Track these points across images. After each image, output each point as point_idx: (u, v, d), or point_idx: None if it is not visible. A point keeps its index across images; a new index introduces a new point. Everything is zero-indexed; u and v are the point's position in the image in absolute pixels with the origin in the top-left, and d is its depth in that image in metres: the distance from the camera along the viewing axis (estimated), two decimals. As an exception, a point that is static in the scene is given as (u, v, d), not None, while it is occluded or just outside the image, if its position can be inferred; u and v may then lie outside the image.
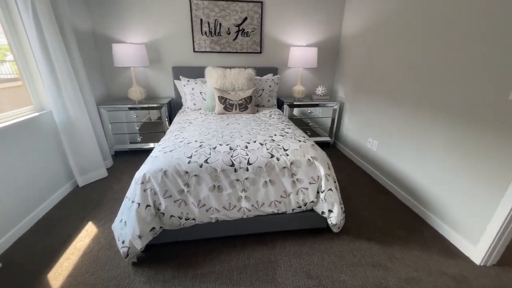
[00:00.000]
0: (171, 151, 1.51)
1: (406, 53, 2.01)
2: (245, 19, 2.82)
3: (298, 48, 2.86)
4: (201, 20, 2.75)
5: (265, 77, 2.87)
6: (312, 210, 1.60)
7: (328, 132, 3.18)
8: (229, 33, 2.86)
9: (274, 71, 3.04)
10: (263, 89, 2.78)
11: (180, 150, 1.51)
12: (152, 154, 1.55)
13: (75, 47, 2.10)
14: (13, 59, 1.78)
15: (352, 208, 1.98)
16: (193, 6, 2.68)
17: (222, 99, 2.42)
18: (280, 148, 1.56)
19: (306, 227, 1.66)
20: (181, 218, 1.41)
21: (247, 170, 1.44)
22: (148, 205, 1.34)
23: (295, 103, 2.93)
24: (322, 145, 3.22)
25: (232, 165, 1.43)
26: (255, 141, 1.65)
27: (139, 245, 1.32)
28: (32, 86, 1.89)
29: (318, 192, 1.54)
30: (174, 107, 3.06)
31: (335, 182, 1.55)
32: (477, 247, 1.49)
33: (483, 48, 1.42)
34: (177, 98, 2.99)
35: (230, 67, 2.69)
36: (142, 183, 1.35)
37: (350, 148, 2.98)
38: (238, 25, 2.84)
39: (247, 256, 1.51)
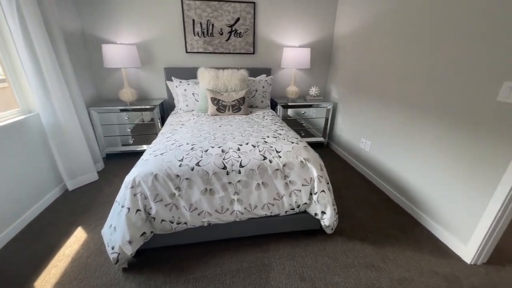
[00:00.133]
0: (162, 154, 1.49)
1: (397, 54, 2.02)
2: (238, 19, 2.81)
3: (291, 48, 2.86)
4: (193, 20, 2.72)
5: (258, 78, 2.86)
6: (305, 212, 1.60)
7: (322, 132, 3.19)
8: (221, 34, 2.84)
9: (268, 71, 3.03)
10: (256, 90, 2.77)
11: (171, 153, 1.49)
12: (142, 157, 1.52)
13: (63, 48, 2.05)
14: (-2, 60, 1.73)
15: (346, 208, 1.98)
16: (185, 6, 2.65)
17: (215, 100, 2.40)
18: (273, 150, 1.55)
19: (299, 229, 1.65)
20: (172, 223, 1.39)
21: (240, 172, 1.43)
22: (138, 210, 1.31)
23: (288, 104, 2.92)
24: (316, 145, 3.23)
25: (224, 167, 1.42)
26: (247, 143, 1.64)
27: (129, 251, 1.29)
28: (18, 88, 1.84)
29: (311, 194, 1.54)
30: (167, 108, 3.02)
31: (328, 183, 1.54)
32: (467, 247, 1.51)
33: (473, 50, 1.44)
34: (170, 99, 2.96)
35: (223, 68, 2.67)
36: (132, 187, 1.32)
37: (344, 148, 2.99)
38: (231, 26, 2.82)
39: (240, 259, 1.50)
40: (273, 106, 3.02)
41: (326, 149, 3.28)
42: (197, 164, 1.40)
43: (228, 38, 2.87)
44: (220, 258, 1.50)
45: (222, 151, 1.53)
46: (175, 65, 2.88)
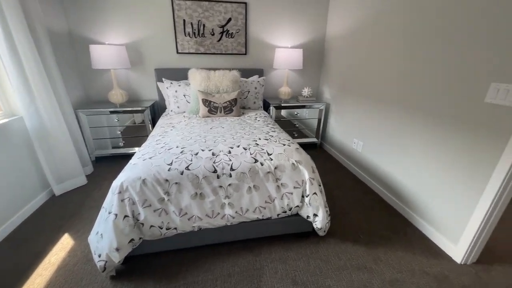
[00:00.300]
0: (150, 158, 1.45)
1: (389, 55, 2.03)
2: (229, 20, 2.78)
3: (284, 49, 2.85)
4: (184, 20, 2.68)
5: (250, 78, 2.84)
6: (297, 214, 1.58)
7: (315, 133, 3.19)
8: (213, 34, 2.81)
9: (260, 72, 3.01)
10: (249, 91, 2.75)
11: (160, 157, 1.45)
12: (131, 161, 1.48)
13: (48, 48, 1.98)
14: (-22, 62, 1.66)
15: (338, 209, 1.98)
16: (175, 6, 2.61)
17: (207, 102, 2.37)
18: (264, 153, 1.54)
19: (291, 231, 1.64)
20: (162, 228, 1.36)
21: (230, 176, 1.40)
22: (126, 216, 1.28)
23: (281, 104, 2.91)
24: (309, 146, 3.24)
25: (215, 171, 1.39)
26: (238, 146, 1.61)
27: (117, 259, 1.25)
28: (0, 90, 1.77)
29: (303, 196, 1.52)
30: (158, 110, 2.97)
31: (319, 185, 1.54)
32: (457, 246, 1.52)
33: (461, 52, 1.45)
34: (161, 100, 2.91)
35: (214, 69, 2.64)
36: (120, 192, 1.28)
37: (336, 149, 3.00)
38: (222, 26, 2.79)
39: (232, 264, 1.48)
40: (266, 107, 3.00)
41: (319, 149, 3.28)
42: (187, 168, 1.37)
43: (220, 39, 2.84)
44: (211, 263, 1.48)
45: (213, 154, 1.50)
46: (166, 66, 2.84)
